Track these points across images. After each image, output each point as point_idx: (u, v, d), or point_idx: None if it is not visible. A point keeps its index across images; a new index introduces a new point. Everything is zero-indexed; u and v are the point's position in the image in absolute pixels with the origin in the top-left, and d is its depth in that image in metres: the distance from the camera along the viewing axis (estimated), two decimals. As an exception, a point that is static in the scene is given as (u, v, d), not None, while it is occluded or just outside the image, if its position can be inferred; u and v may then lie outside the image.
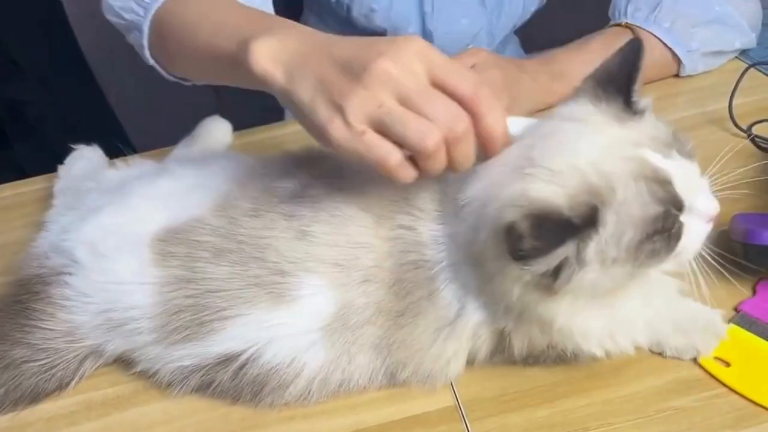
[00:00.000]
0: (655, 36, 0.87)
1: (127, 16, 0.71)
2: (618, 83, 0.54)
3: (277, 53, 0.50)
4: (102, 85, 1.58)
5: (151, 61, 0.73)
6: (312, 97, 0.48)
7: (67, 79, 1.50)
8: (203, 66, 0.64)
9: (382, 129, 0.47)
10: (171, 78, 0.74)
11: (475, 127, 0.49)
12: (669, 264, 0.53)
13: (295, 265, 0.57)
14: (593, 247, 0.48)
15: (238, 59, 0.52)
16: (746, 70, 0.84)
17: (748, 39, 0.91)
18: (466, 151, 0.49)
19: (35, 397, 0.62)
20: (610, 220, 0.48)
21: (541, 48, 1.05)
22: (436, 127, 0.47)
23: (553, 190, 0.48)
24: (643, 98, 0.55)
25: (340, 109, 0.47)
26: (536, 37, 1.19)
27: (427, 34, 1.02)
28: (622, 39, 0.77)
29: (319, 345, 0.57)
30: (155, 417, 0.61)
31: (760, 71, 0.90)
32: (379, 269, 0.57)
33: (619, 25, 0.90)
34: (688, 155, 0.52)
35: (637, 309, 0.56)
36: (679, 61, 0.89)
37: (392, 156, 0.47)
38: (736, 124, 0.83)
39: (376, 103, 0.46)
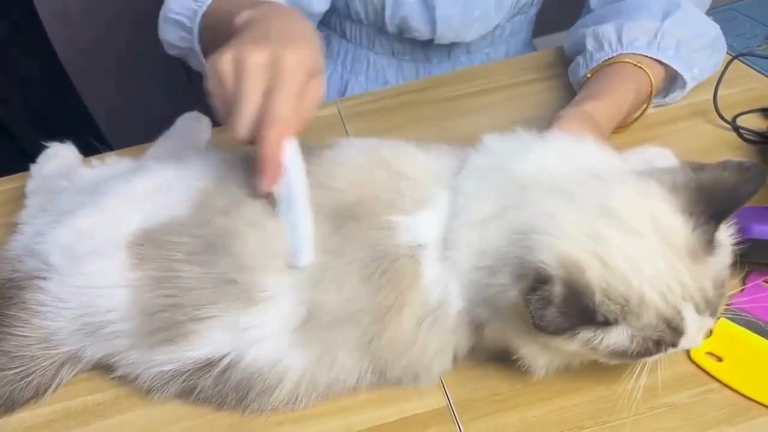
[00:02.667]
0: (660, 62, 0.80)
1: (183, 44, 0.82)
2: (719, 207, 0.52)
3: (243, 19, 0.63)
4: (75, 81, 1.54)
5: None
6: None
7: (39, 75, 1.46)
8: None
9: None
10: None
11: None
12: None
13: (265, 264, 0.56)
14: (587, 335, 0.51)
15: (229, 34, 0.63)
16: (731, 61, 0.84)
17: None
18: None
19: (11, 405, 0.59)
20: (618, 333, 0.51)
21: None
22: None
23: (598, 277, 0.49)
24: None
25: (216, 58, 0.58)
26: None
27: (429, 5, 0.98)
28: (634, 78, 0.78)
29: (297, 347, 0.56)
30: (138, 425, 0.59)
31: (743, 62, 0.90)
32: (350, 263, 0.55)
33: (614, 60, 0.81)
34: (716, 311, 0.53)
35: None
36: (675, 86, 0.85)
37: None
38: (720, 116, 0.82)
39: (226, 75, 0.57)
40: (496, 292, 0.53)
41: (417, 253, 0.56)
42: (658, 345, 0.51)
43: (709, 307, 0.52)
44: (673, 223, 0.51)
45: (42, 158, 0.80)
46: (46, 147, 0.80)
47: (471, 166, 0.59)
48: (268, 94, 0.56)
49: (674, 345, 0.52)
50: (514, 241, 0.52)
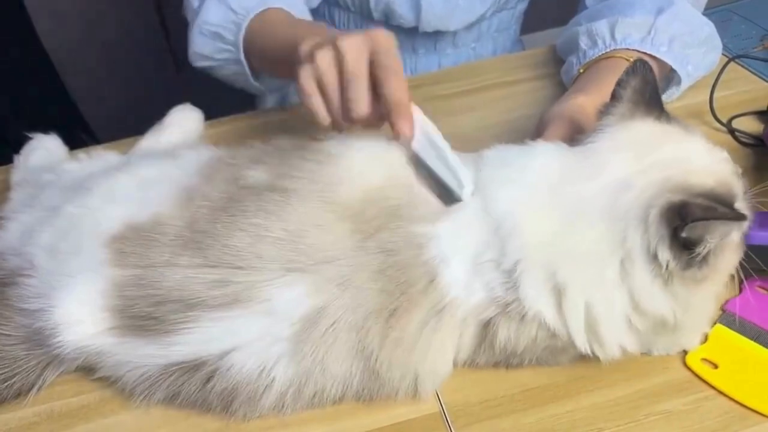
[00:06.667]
0: (654, 58, 0.80)
1: (220, 56, 0.83)
2: (656, 103, 0.60)
3: (311, 42, 0.64)
4: (61, 73, 1.52)
5: (257, 84, 0.85)
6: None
7: (25, 66, 1.43)
8: (276, 70, 0.80)
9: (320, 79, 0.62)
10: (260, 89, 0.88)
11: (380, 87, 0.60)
12: None
13: (260, 267, 0.54)
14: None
15: (292, 59, 0.65)
16: (727, 63, 0.84)
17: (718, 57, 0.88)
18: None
19: None
20: (742, 207, 0.55)
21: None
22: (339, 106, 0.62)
23: (696, 177, 0.53)
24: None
25: (311, 56, 0.62)
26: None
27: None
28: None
29: (288, 354, 0.54)
30: (123, 428, 0.57)
31: (739, 64, 0.89)
32: (359, 270, 0.54)
33: (607, 55, 0.81)
34: None
35: None
36: (671, 84, 0.85)
37: (313, 99, 0.62)
38: (716, 118, 0.82)
39: (324, 64, 0.61)
40: (636, 287, 0.53)
41: (437, 264, 0.54)
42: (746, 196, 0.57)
43: None
44: (663, 127, 0.59)
45: (26, 149, 0.78)
46: (31, 138, 0.78)
47: (489, 177, 0.58)
48: (374, 56, 0.60)
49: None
50: (623, 236, 0.52)
